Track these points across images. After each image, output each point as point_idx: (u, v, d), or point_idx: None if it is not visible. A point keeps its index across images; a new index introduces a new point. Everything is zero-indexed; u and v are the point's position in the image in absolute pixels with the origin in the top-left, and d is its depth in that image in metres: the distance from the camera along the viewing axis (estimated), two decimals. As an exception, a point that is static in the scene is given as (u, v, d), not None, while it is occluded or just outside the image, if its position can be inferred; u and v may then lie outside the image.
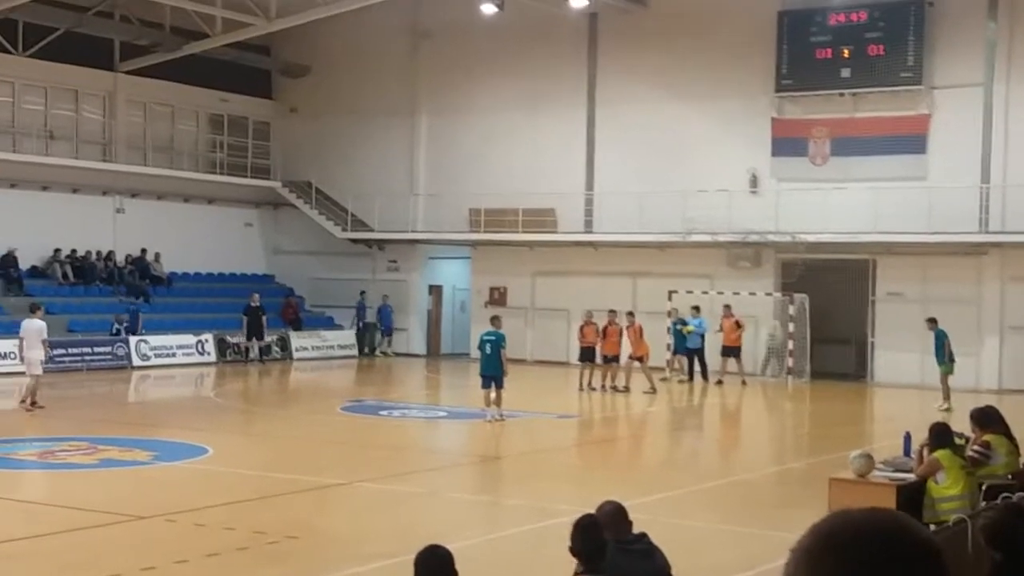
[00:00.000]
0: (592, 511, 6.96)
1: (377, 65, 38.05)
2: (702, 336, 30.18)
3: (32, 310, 22.90)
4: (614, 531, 6.85)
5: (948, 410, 23.96)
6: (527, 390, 28.72)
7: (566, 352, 35.23)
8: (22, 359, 22.41)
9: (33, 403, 21.84)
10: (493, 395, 20.94)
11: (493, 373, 20.92)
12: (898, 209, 29.73)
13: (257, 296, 34.14)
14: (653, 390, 27.26)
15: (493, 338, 21.09)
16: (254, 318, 33.57)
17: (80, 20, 33.55)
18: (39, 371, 22.01)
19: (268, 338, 34.39)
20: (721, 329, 30.35)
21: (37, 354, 21.94)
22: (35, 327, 22.15)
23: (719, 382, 29.68)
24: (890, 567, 1.94)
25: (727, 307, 30.61)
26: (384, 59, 38.00)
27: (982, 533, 6.13)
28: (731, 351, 30.25)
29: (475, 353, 23.52)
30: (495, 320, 22.26)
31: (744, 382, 29.76)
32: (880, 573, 1.93)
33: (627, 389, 27.38)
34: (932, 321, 26.34)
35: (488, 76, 36.60)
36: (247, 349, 33.84)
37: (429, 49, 37.65)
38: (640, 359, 27.79)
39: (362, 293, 37.46)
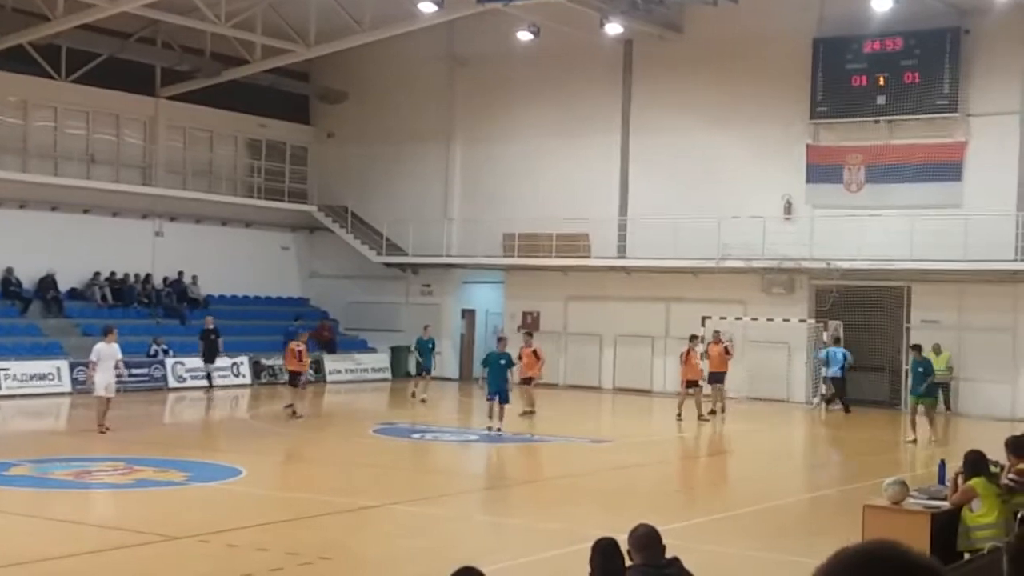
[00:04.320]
0: (612, 535, 7.00)
1: (413, 91, 38.35)
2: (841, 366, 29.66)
3: (105, 333, 22.79)
4: (647, 555, 6.87)
5: (914, 441, 23.32)
6: (560, 415, 28.73)
7: (598, 377, 35.28)
8: (95, 382, 22.24)
9: (100, 424, 21.86)
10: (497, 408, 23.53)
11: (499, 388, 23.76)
12: (933, 237, 29.59)
13: (211, 319, 32.55)
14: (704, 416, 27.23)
15: (503, 360, 24.11)
16: (208, 342, 31.82)
17: (122, 46, 34.04)
18: (111, 393, 22.17)
19: (219, 362, 32.41)
20: (707, 355, 28.59)
21: (110, 377, 22.04)
22: (111, 351, 22.23)
23: (712, 412, 27.84)
24: None
25: (717, 332, 29.41)
26: (420, 86, 38.30)
27: (1011, 564, 6.17)
28: (717, 377, 28.42)
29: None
30: (502, 342, 25.48)
31: (714, 411, 27.87)
32: None
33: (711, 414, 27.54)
34: (916, 348, 25.17)
35: (523, 103, 36.79)
36: (209, 375, 31.97)
37: (465, 76, 37.92)
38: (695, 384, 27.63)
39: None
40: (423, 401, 30.08)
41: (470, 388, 35.95)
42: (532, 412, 26.35)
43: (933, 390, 24.68)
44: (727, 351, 28.69)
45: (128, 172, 35.69)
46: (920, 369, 24.23)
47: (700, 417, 26.94)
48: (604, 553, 6.71)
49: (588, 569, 6.77)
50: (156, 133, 36.34)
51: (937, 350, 29.50)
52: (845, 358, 29.75)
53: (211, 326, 32.11)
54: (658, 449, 24.04)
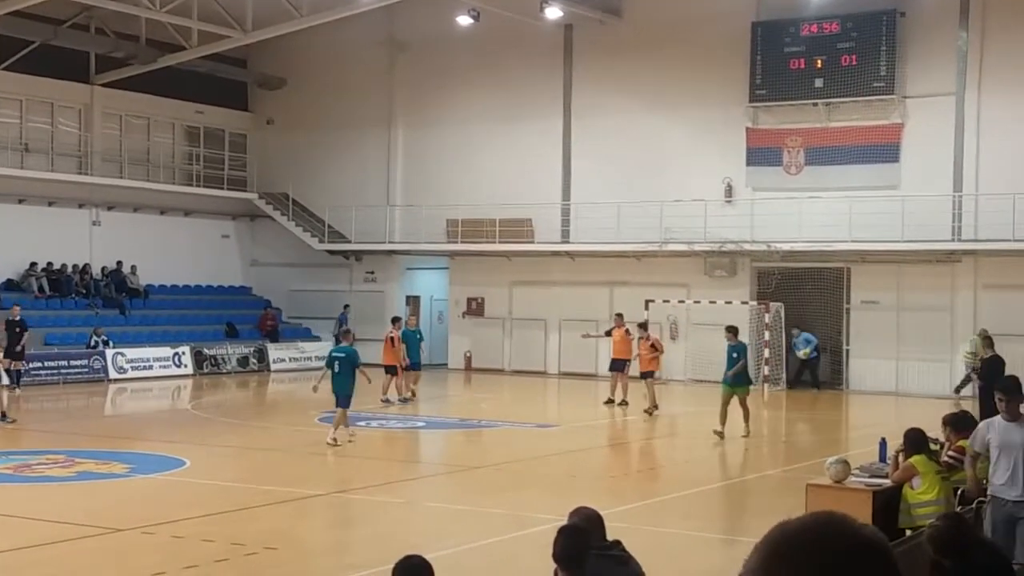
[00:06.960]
0: (559, 518, 7.01)
1: (353, 77, 38.11)
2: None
3: None
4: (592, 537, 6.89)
5: (720, 434, 21.01)
6: (506, 400, 28.77)
7: (543, 361, 35.39)
8: None
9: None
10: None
11: (341, 392, 19.48)
12: (872, 218, 29.97)
13: (17, 308, 27.62)
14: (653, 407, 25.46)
15: (343, 355, 19.69)
16: (12, 335, 26.64)
17: (56, 33, 33.46)
18: None
19: (25, 364, 27.91)
20: (610, 336, 27.42)
21: None
22: None
23: (623, 402, 26.40)
24: (846, 564, 1.92)
25: (619, 316, 27.70)
26: (360, 71, 38.06)
27: (929, 543, 6.51)
28: (620, 364, 26.79)
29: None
30: (347, 335, 21.28)
31: (612, 400, 26.56)
32: (837, 572, 1.91)
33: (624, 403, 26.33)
34: (731, 330, 21.90)
35: (464, 87, 36.69)
36: (18, 373, 27.09)
37: (405, 61, 37.74)
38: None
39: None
40: (412, 395, 27.21)
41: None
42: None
43: (743, 378, 21.64)
44: (628, 333, 26.87)
45: (63, 161, 35.13)
46: (734, 355, 21.36)
47: (645, 409, 25.43)
48: (570, 536, 6.68)
49: (538, 553, 6.77)
50: (92, 121, 35.78)
51: (983, 335, 28.53)
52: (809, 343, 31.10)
53: (17, 317, 27.17)
54: (604, 433, 24.18)
